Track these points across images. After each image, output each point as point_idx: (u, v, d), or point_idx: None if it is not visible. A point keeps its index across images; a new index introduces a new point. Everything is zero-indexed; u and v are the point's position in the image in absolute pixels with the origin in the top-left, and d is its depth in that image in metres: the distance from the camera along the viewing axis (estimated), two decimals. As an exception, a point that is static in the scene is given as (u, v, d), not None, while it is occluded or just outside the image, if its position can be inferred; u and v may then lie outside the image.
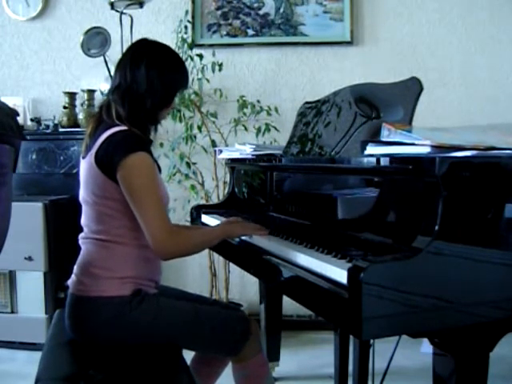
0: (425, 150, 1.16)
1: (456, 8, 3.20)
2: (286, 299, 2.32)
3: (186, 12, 3.21)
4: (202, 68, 3.07)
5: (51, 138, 3.14)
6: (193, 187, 3.08)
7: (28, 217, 2.78)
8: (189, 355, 1.70)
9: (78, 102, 3.22)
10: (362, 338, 1.07)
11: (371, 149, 1.29)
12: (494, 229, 1.16)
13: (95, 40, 2.92)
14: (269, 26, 3.26)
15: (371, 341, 1.97)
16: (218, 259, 3.15)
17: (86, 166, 1.55)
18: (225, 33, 3.29)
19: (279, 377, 2.51)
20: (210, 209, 2.27)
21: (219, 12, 3.28)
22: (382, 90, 1.76)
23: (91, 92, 3.17)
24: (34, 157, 3.15)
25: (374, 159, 1.31)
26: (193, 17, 3.25)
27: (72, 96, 3.20)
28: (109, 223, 1.53)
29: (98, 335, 1.51)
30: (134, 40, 1.78)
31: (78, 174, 1.63)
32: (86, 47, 2.90)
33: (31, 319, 2.87)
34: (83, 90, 3.18)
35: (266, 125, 3.05)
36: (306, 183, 1.83)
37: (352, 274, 1.07)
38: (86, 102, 3.16)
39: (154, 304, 1.54)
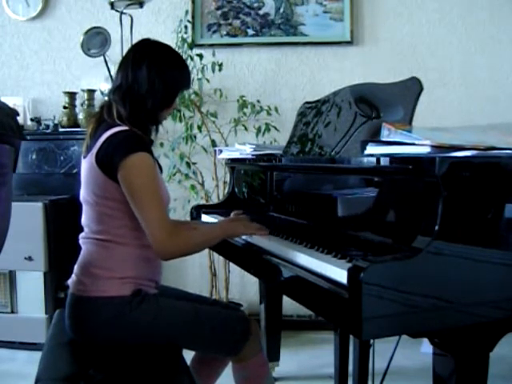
0: (425, 149, 1.16)
1: (456, 8, 3.20)
2: (285, 299, 2.32)
3: (186, 12, 3.21)
4: (202, 68, 3.07)
5: (51, 138, 3.14)
6: (193, 187, 3.09)
7: (28, 217, 2.78)
8: (189, 355, 1.70)
9: (78, 102, 3.22)
10: (362, 338, 1.07)
11: (371, 149, 1.29)
12: (494, 229, 1.16)
13: (95, 40, 2.92)
14: (269, 25, 3.26)
15: (371, 341, 1.97)
16: (218, 259, 3.15)
17: (86, 166, 1.55)
18: (225, 33, 3.29)
19: (279, 377, 2.51)
20: (210, 209, 2.27)
21: (219, 12, 3.28)
22: (382, 90, 1.76)
23: (91, 92, 3.17)
24: (33, 157, 3.14)
25: (374, 159, 1.31)
26: (193, 17, 3.25)
27: (72, 96, 3.20)
28: (109, 223, 1.53)
29: (98, 335, 1.51)
30: (133, 40, 1.78)
31: (78, 173, 1.63)
32: (86, 47, 2.90)
33: (31, 319, 2.87)
34: (83, 90, 3.18)
35: (266, 125, 3.05)
36: (306, 183, 1.83)
37: (352, 274, 1.07)
38: (86, 102, 3.16)
39: (154, 304, 1.54)
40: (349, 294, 1.07)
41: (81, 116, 3.14)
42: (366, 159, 1.35)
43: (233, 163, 2.32)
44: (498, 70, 3.19)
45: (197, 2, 3.26)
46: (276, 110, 3.14)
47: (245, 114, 3.10)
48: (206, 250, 2.93)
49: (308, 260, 1.31)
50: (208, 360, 1.77)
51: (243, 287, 3.31)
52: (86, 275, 1.53)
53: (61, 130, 3.17)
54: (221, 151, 2.35)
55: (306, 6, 3.24)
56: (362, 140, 1.38)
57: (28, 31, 3.41)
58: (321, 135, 1.89)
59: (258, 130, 3.05)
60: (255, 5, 3.27)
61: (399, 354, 1.97)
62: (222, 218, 2.01)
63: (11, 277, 2.88)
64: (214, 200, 3.06)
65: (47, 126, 3.21)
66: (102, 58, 2.96)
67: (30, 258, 2.82)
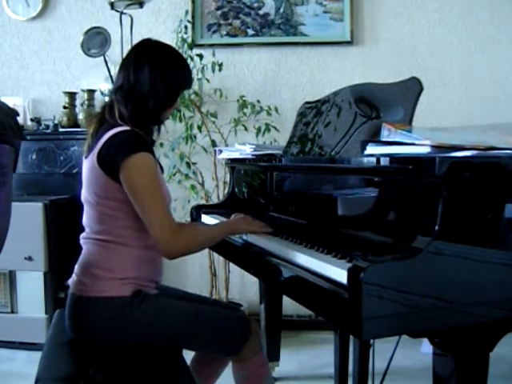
0: (425, 149, 1.16)
1: (456, 8, 3.20)
2: (286, 299, 2.32)
3: (186, 12, 3.21)
4: (202, 68, 3.07)
5: (51, 138, 3.14)
6: (193, 187, 3.09)
7: (28, 217, 2.78)
8: (189, 355, 1.70)
9: (78, 102, 3.22)
10: (362, 338, 1.07)
11: (371, 149, 1.29)
12: (493, 229, 1.16)
13: (95, 40, 2.92)
14: (269, 25, 3.26)
15: (371, 341, 1.97)
16: (218, 259, 3.15)
17: (88, 166, 1.55)
18: (225, 33, 3.29)
19: (279, 377, 2.51)
20: (210, 209, 2.27)
21: (219, 12, 3.28)
22: (382, 90, 1.76)
23: (91, 92, 3.17)
24: (34, 157, 3.14)
25: (374, 159, 1.31)
26: (193, 17, 3.25)
27: (72, 96, 3.19)
28: (110, 223, 1.53)
29: (98, 335, 1.51)
30: (134, 40, 1.78)
31: (78, 173, 1.63)
32: (86, 47, 2.90)
33: (31, 319, 2.87)
34: (83, 90, 3.18)
35: (266, 125, 3.05)
36: (306, 183, 1.83)
37: (352, 273, 1.07)
38: (86, 102, 3.16)
39: (154, 304, 1.54)
40: (349, 294, 1.07)
41: (81, 116, 3.14)
42: (365, 159, 1.35)
43: (233, 163, 2.32)
44: (497, 69, 3.19)
45: (197, 2, 3.26)
46: (276, 110, 3.14)
47: (245, 114, 3.10)
48: (206, 250, 2.93)
49: (308, 260, 1.31)
50: (208, 360, 1.77)
51: (243, 287, 3.31)
52: (87, 275, 1.53)
53: (61, 130, 3.16)
54: (221, 151, 2.35)
55: (305, 6, 3.24)
56: (362, 140, 1.38)
57: (28, 31, 3.41)
58: (321, 135, 1.89)
59: (258, 130, 3.05)
60: (255, 5, 3.27)
61: (399, 354, 1.97)
62: (222, 218, 2.01)
63: (11, 277, 2.88)
64: (214, 200, 3.06)
65: (47, 126, 3.21)
66: (102, 58, 2.96)
67: (30, 258, 2.82)
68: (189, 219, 2.36)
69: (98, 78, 3.21)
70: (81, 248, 1.60)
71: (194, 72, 3.02)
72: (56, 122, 3.19)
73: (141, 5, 2.92)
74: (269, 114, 3.10)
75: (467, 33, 3.20)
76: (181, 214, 3.00)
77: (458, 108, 3.18)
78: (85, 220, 1.60)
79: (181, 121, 3.04)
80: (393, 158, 1.25)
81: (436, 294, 1.08)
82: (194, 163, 3.12)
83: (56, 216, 2.88)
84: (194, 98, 3.08)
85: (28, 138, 3.11)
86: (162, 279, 1.67)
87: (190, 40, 3.15)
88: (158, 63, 1.57)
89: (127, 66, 1.59)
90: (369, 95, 1.79)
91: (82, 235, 1.61)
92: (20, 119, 3.10)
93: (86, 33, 2.88)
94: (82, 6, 3.37)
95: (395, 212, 1.34)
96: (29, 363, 2.57)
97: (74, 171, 3.04)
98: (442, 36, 3.21)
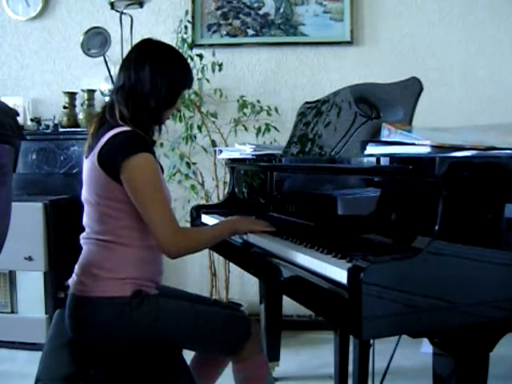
0: (425, 149, 1.16)
1: (456, 8, 3.20)
2: (286, 299, 2.32)
3: (186, 12, 3.21)
4: (202, 68, 3.07)
5: (51, 138, 3.14)
6: (193, 187, 3.08)
7: (28, 217, 2.78)
8: (189, 355, 1.70)
9: (78, 102, 3.22)
10: (362, 338, 1.07)
11: (371, 149, 1.30)
12: (494, 229, 1.16)
13: (95, 40, 2.92)
14: (269, 26, 3.26)
15: (371, 341, 1.97)
16: (218, 259, 3.15)
17: (88, 166, 1.55)
18: (225, 33, 3.29)
19: (279, 377, 2.51)
20: (210, 209, 2.27)
21: (219, 12, 3.28)
22: (382, 90, 1.76)
23: (91, 92, 3.17)
24: (34, 157, 3.14)
25: (373, 159, 1.31)
26: (193, 17, 3.25)
27: (72, 96, 3.20)
28: (111, 224, 1.53)
29: (98, 335, 1.51)
30: (134, 40, 1.78)
31: (78, 173, 1.63)
32: (86, 47, 2.90)
33: (31, 319, 2.87)
34: (83, 90, 3.18)
35: (266, 125, 3.05)
36: (306, 183, 1.83)
37: (352, 273, 1.07)
38: (86, 102, 3.16)
39: (154, 304, 1.54)
40: (349, 294, 1.07)
41: (81, 116, 3.14)
42: (365, 159, 1.35)
43: (233, 163, 2.32)
44: (497, 69, 3.18)
45: (197, 2, 3.26)
46: (276, 110, 3.14)
47: (245, 114, 3.10)
48: (206, 250, 2.93)
49: (308, 260, 1.31)
50: (208, 360, 1.77)
51: (243, 287, 3.31)
52: (87, 275, 1.53)
53: (61, 130, 3.16)
54: (221, 151, 2.35)
55: (305, 6, 3.24)
56: (362, 140, 1.38)
57: (28, 31, 3.41)
58: (321, 135, 1.89)
59: (258, 130, 3.05)
60: (255, 5, 3.27)
61: (399, 354, 1.97)
62: (222, 218, 2.01)
63: (11, 277, 2.88)
64: (214, 200, 3.06)
65: (47, 126, 3.21)
66: (102, 58, 2.96)
67: (30, 258, 2.82)
68: (189, 219, 2.36)
69: (98, 78, 3.21)
70: (81, 248, 1.60)
71: (194, 72, 3.00)
72: (56, 121, 3.19)
73: (141, 5, 2.92)
74: (269, 114, 3.10)
75: (467, 33, 3.20)
76: (181, 214, 3.00)
77: (458, 108, 3.17)
78: (85, 220, 1.60)
79: (181, 121, 3.04)
80: (393, 158, 1.25)
81: (436, 294, 1.08)
82: (194, 163, 3.12)
83: (56, 216, 2.88)
84: (194, 98, 3.08)
85: (28, 137, 3.11)
86: (162, 279, 1.67)
87: (189, 40, 3.15)
88: (158, 63, 1.57)
89: (128, 66, 1.59)
90: (369, 95, 1.79)
91: (82, 235, 1.61)
92: (20, 119, 3.10)
93: (86, 33, 2.88)
94: (81, 6, 3.37)
95: (395, 212, 1.34)
96: (29, 363, 2.57)
97: (74, 171, 3.04)
98: (442, 36, 3.21)
